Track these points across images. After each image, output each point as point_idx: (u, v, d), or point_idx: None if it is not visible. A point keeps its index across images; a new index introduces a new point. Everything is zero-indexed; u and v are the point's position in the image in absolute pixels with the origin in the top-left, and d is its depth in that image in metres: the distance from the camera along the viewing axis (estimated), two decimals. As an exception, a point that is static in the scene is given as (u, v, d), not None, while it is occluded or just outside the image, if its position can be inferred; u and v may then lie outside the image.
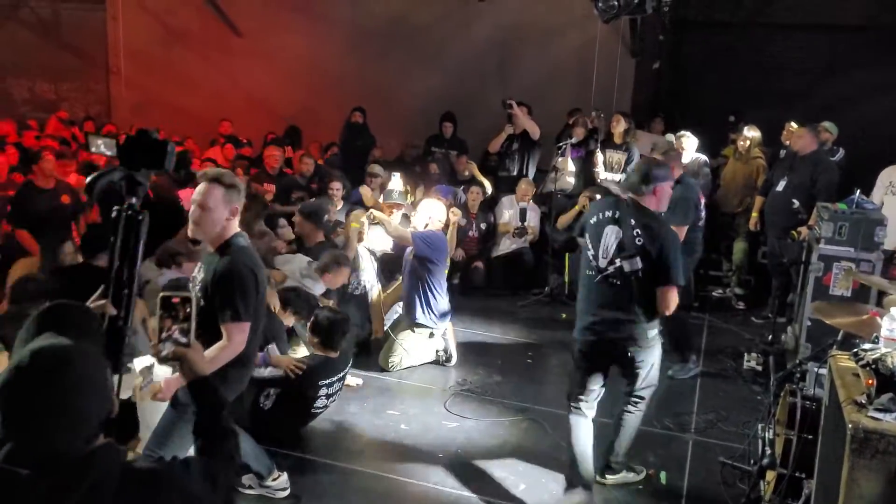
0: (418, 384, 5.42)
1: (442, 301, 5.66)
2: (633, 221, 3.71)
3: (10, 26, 11.28)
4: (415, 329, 5.60)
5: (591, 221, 3.88)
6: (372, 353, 5.91)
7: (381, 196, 6.94)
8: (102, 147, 1.99)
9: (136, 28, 11.57)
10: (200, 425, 1.93)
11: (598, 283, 3.79)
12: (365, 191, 7.27)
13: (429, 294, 5.57)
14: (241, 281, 3.04)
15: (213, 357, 2.89)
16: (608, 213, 3.82)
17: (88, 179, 2.00)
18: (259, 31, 10.97)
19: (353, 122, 9.39)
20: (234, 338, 3.02)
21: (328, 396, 4.55)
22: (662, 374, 4.17)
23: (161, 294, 2.01)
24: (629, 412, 4.02)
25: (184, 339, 1.97)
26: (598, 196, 7.31)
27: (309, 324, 4.72)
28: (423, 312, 5.59)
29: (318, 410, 4.54)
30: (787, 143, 7.32)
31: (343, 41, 10.43)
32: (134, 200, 1.96)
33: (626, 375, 3.94)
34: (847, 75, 8.87)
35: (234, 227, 3.18)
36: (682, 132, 7.17)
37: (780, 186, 6.47)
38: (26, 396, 1.49)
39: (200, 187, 3.14)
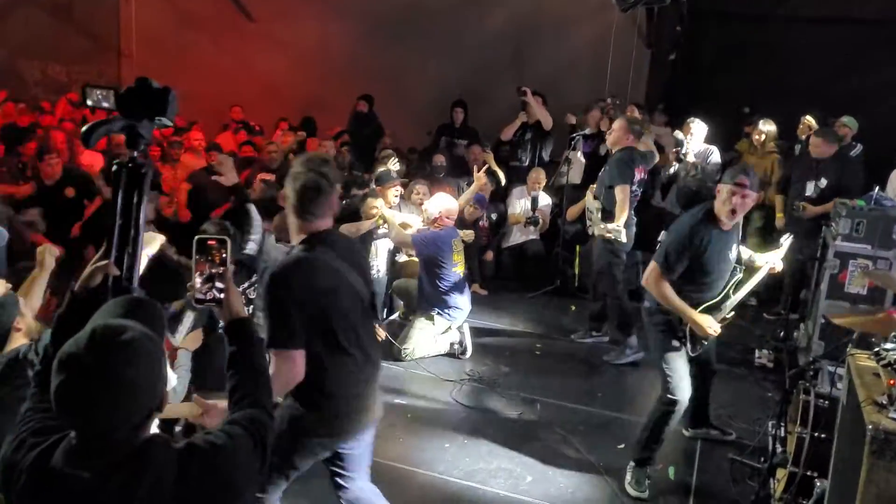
0: (426, 374, 5.39)
1: (456, 297, 5.62)
2: None
3: (23, 8, 11.24)
4: (433, 320, 5.58)
5: None
6: (382, 343, 5.90)
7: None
8: (100, 98, 1.91)
9: (148, 12, 11.52)
10: (236, 366, 1.90)
11: None
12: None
13: (441, 290, 5.55)
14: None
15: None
16: None
17: (84, 128, 1.88)
18: (272, 16, 10.91)
19: (358, 111, 9.34)
20: None
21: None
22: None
23: (197, 237, 1.97)
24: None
25: (220, 284, 1.95)
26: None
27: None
28: (437, 307, 5.58)
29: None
30: (803, 137, 7.20)
31: (356, 28, 10.36)
32: (136, 153, 1.88)
33: None
34: (866, 70, 8.73)
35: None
36: (692, 118, 7.10)
37: (810, 191, 6.38)
38: (89, 367, 1.48)
39: None
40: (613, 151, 5.76)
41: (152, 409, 1.56)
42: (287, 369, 2.59)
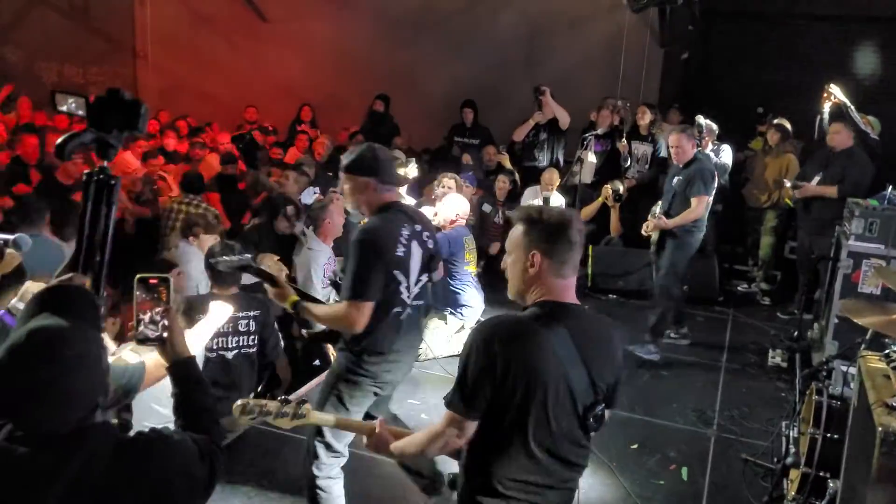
0: (440, 374, 5.42)
1: (468, 295, 5.66)
2: None
3: (39, 9, 11.34)
4: (445, 319, 5.63)
5: None
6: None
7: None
8: (73, 106, 1.91)
9: (163, 13, 11.62)
10: (182, 408, 1.90)
11: None
12: None
13: (453, 288, 5.60)
14: None
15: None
16: None
17: (59, 141, 1.85)
18: (285, 17, 10.96)
19: (374, 110, 9.38)
20: None
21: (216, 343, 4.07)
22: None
23: (138, 275, 1.93)
24: None
25: (165, 322, 1.93)
26: (621, 188, 7.29)
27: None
28: (449, 307, 5.63)
29: (212, 354, 4.09)
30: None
31: (370, 28, 10.40)
32: (106, 164, 1.87)
33: None
34: (881, 68, 8.68)
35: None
36: (699, 116, 7.07)
37: (815, 181, 6.34)
38: (21, 376, 1.50)
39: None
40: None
41: (93, 403, 1.57)
42: None
